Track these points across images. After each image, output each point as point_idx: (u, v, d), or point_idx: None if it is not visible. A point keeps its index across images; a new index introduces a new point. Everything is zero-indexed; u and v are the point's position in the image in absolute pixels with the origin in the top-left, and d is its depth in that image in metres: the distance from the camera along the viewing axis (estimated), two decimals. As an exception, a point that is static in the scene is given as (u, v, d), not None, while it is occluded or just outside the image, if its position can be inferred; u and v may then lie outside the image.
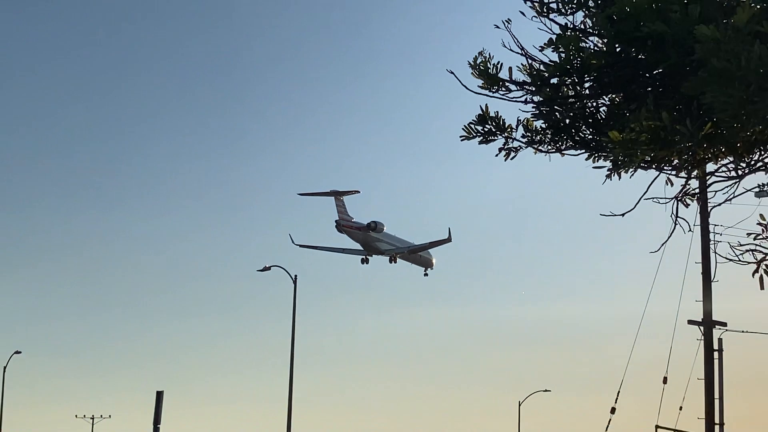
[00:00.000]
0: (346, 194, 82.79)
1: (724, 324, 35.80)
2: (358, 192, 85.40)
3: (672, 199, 11.54)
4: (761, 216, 11.03)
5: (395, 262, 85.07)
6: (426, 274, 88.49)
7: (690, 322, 35.36)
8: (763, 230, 10.77)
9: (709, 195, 11.42)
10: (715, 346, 35.40)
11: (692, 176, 10.86)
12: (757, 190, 11.34)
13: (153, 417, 29.92)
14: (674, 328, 35.82)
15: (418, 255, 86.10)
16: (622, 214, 10.91)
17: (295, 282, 51.41)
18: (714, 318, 35.22)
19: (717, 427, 34.49)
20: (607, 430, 35.65)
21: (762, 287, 10.20)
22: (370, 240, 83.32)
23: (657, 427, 34.57)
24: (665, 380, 35.63)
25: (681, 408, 35.21)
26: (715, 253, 35.23)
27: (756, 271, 10.27)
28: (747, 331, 37.36)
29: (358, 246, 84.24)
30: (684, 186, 11.53)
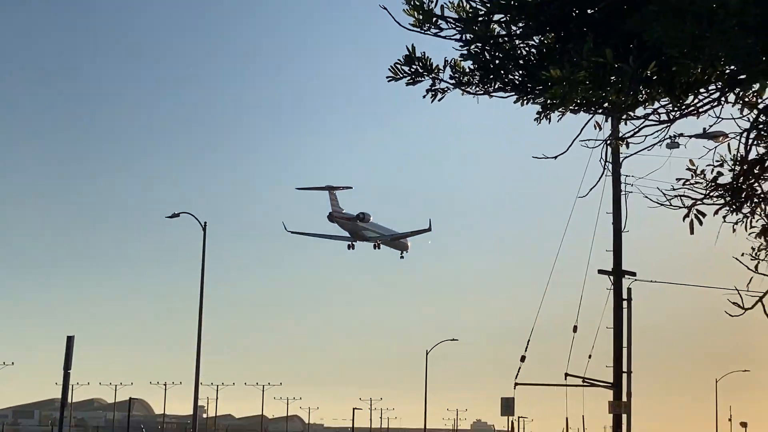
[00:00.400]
0: (340, 189, 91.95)
1: (633, 274, 36.28)
2: (351, 188, 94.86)
3: (602, 142, 11.40)
4: (690, 161, 10.96)
5: (379, 248, 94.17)
6: (402, 257, 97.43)
7: (600, 271, 35.76)
8: (692, 175, 10.70)
9: (632, 141, 11.31)
10: (624, 296, 35.88)
11: (622, 120, 10.71)
12: (668, 141, 11.25)
13: (63, 362, 29.32)
14: (585, 277, 36.25)
15: (398, 241, 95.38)
16: (555, 157, 10.71)
17: (204, 229, 50.72)
18: (624, 268, 35.68)
19: (624, 375, 35.08)
20: (517, 377, 36.01)
21: (692, 232, 10.15)
22: (358, 229, 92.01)
23: (566, 375, 35.00)
24: (575, 329, 36.05)
25: (590, 356, 35.69)
26: (626, 203, 35.64)
27: (687, 215, 10.20)
28: (655, 281, 37.98)
29: (346, 234, 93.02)
30: (614, 130, 11.41)
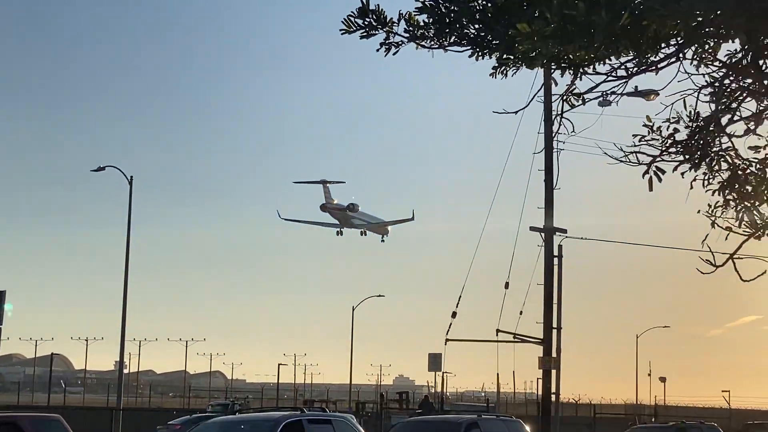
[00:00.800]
0: (333, 183, 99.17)
1: (564, 231, 36.61)
2: (344, 182, 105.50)
3: (559, 97, 11.35)
4: (647, 117, 10.96)
5: (365, 234, 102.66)
6: (383, 240, 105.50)
7: (532, 228, 35.98)
8: (648, 132, 10.70)
9: (576, 98, 11.28)
10: (555, 253, 36.19)
11: (580, 75, 10.65)
12: (600, 99, 11.24)
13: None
14: (517, 234, 36.49)
15: (381, 227, 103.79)
16: (515, 112, 10.64)
17: (131, 184, 49.90)
18: (555, 225, 35.97)
19: (555, 331, 35.48)
20: (448, 333, 36.21)
21: (650, 189, 10.15)
22: (347, 218, 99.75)
23: (498, 331, 35.33)
24: (507, 285, 36.29)
25: (521, 312, 36.02)
26: (558, 160, 35.85)
27: (646, 172, 10.20)
28: (586, 238, 38.39)
29: (335, 221, 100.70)
30: (570, 86, 11.35)
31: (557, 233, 36.32)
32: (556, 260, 36.10)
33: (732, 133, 10.31)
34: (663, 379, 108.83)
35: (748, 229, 10.23)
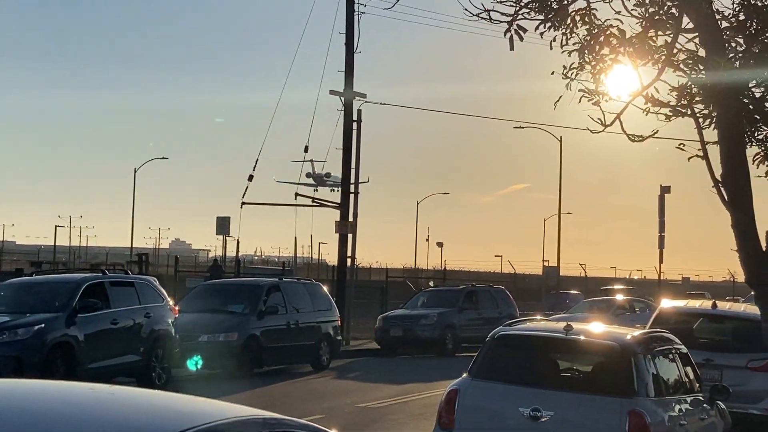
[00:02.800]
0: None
1: (364, 95, 36.44)
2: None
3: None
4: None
5: None
6: None
7: (332, 92, 35.62)
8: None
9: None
10: (354, 117, 36.03)
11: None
12: None
13: None
14: (317, 98, 36.09)
15: None
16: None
17: None
18: (356, 90, 35.76)
19: (352, 196, 35.56)
20: (244, 196, 35.66)
21: (512, 48, 9.93)
22: None
23: (297, 195, 35.12)
24: (306, 149, 36.00)
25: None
26: (359, 23, 35.37)
27: (507, 30, 9.95)
28: (385, 104, 38.38)
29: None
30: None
31: (357, 98, 36.09)
32: (355, 125, 35.95)
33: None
34: (440, 245, 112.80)
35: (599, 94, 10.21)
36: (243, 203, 35.71)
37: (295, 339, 24.90)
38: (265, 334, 23.81)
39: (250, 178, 36.12)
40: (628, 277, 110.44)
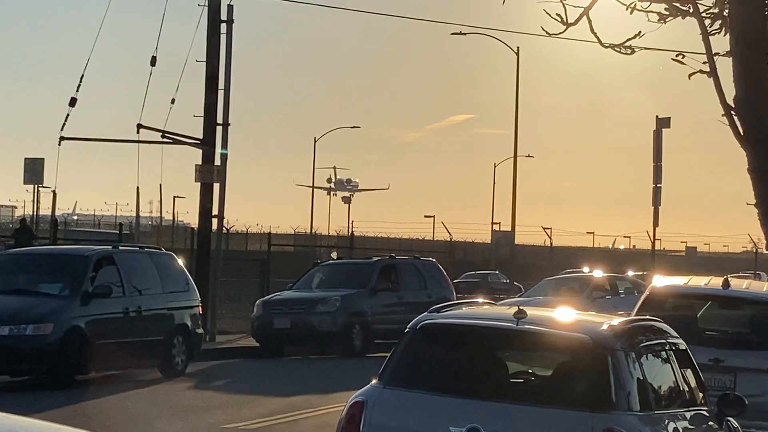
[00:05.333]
0: None
1: (236, -14, 36.20)
2: None
3: None
4: None
5: None
6: None
7: (190, -19, 35.34)
8: None
9: None
10: (223, 16, 35.78)
11: None
12: None
13: None
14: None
15: None
16: None
17: None
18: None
19: (220, 129, 35.30)
20: (63, 129, 35.20)
21: None
22: None
23: (140, 126, 34.63)
24: (153, 61, 35.56)
25: (173, 101, 35.60)
26: None
27: None
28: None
29: None
30: None
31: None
32: (223, 26, 35.67)
33: None
34: (348, 200, 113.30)
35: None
36: (62, 138, 35.23)
37: (137, 333, 24.73)
38: (92, 326, 23.57)
39: (73, 102, 35.67)
40: (611, 246, 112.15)
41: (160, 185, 55.79)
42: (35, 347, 22.51)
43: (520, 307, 10.33)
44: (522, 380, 10.49)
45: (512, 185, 66.33)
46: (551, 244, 74.32)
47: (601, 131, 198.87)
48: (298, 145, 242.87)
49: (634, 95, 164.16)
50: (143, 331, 24.95)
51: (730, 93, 10.84)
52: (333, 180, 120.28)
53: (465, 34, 59.62)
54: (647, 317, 11.90)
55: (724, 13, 10.80)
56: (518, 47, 63.33)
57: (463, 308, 11.24)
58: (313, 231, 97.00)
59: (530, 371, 10.67)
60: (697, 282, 17.40)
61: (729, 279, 16.67)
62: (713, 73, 10.85)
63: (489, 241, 71.08)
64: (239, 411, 20.36)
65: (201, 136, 35.27)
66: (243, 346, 32.81)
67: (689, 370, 11.15)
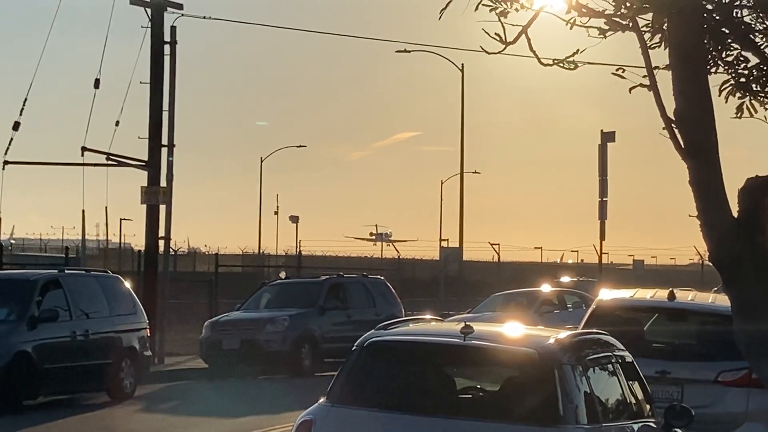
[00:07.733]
0: None
1: (180, 6, 36.14)
2: None
3: None
4: None
5: None
6: None
7: (133, 2, 35.26)
8: None
9: None
10: (167, 38, 35.73)
11: None
12: None
13: None
14: (112, 9, 35.63)
15: None
16: None
17: None
18: (168, -3, 35.45)
19: (165, 150, 35.26)
20: (7, 152, 34.99)
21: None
22: None
23: (84, 149, 34.42)
24: (97, 83, 35.39)
25: (118, 123, 35.44)
26: None
27: None
28: (210, 18, 38.07)
29: None
30: None
31: (170, 9, 35.79)
32: (167, 48, 35.64)
33: None
34: (295, 219, 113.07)
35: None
36: (6, 162, 35.07)
37: (85, 356, 24.64)
38: (39, 350, 23.49)
39: (16, 126, 35.52)
40: (559, 261, 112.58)
41: (106, 208, 55.35)
42: (-20, 373, 22.38)
43: (467, 323, 10.38)
44: (470, 396, 10.52)
45: (459, 202, 66.27)
46: (499, 259, 74.57)
47: (548, 146, 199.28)
48: (244, 165, 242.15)
49: (580, 110, 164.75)
50: (91, 355, 24.84)
51: (670, 106, 10.94)
52: (374, 234, 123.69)
53: (410, 51, 59.72)
54: (594, 330, 11.96)
55: (664, 27, 10.90)
56: (463, 64, 63.45)
57: (410, 325, 11.27)
58: (261, 251, 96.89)
59: (478, 386, 10.70)
60: (643, 294, 17.49)
61: (674, 291, 16.77)
62: (653, 87, 10.93)
63: (437, 258, 70.96)
64: (188, 433, 20.29)
65: (146, 158, 35.18)
66: (192, 368, 32.67)
67: (636, 382, 11.21)
